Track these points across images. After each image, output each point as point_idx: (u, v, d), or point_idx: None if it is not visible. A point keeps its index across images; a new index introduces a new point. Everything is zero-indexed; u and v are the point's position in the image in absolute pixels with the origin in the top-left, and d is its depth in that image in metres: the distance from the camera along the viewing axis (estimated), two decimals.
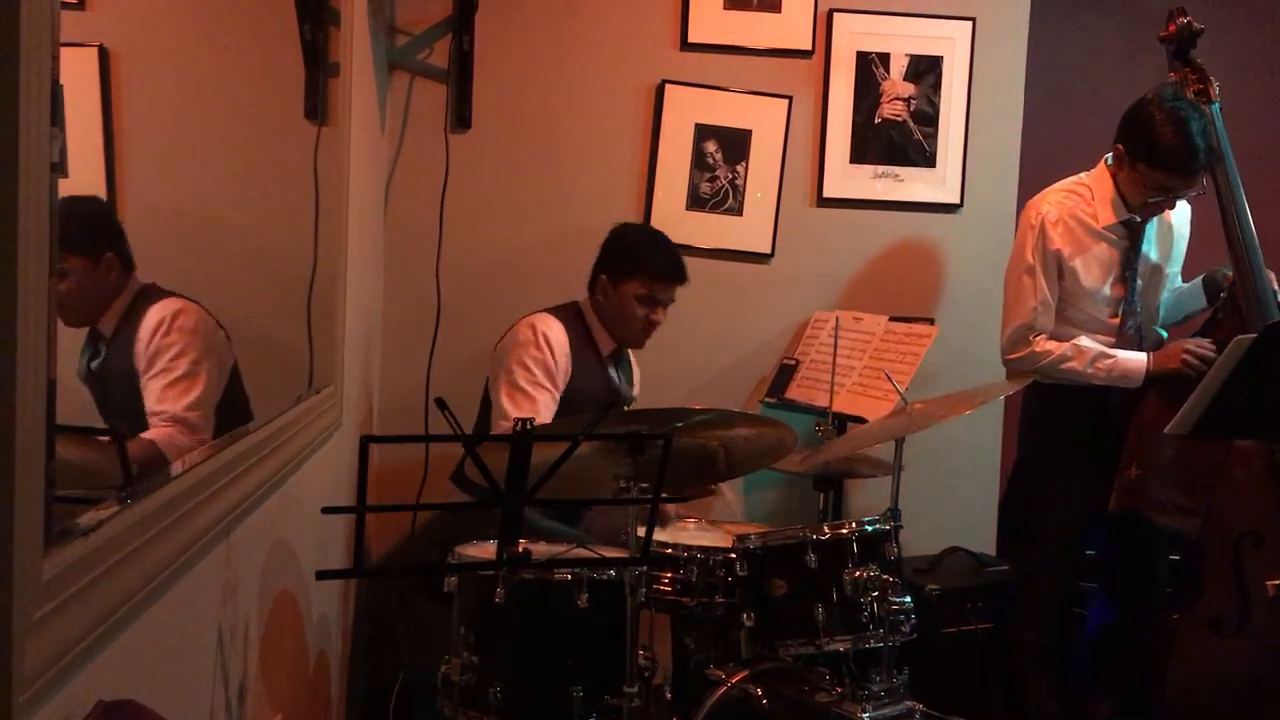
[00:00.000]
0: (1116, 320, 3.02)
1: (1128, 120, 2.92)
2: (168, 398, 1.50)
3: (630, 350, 3.14)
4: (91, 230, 1.29)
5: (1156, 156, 2.82)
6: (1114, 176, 2.97)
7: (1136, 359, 2.93)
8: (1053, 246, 2.95)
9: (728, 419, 2.33)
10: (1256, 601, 2.72)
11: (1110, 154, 3.00)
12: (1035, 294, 2.97)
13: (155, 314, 1.46)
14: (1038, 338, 2.99)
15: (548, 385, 2.82)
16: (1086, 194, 3.00)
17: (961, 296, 3.62)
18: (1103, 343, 2.97)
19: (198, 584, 1.44)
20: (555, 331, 2.90)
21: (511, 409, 2.77)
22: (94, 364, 1.32)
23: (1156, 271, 3.07)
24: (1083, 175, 3.05)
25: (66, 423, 1.00)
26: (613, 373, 3.00)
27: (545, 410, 2.79)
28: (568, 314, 2.98)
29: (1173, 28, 3.01)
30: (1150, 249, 3.04)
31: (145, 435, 1.42)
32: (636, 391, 3.15)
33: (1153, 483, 2.93)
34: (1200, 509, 2.84)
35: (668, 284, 2.95)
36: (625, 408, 2.98)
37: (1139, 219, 2.98)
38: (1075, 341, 2.96)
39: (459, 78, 3.35)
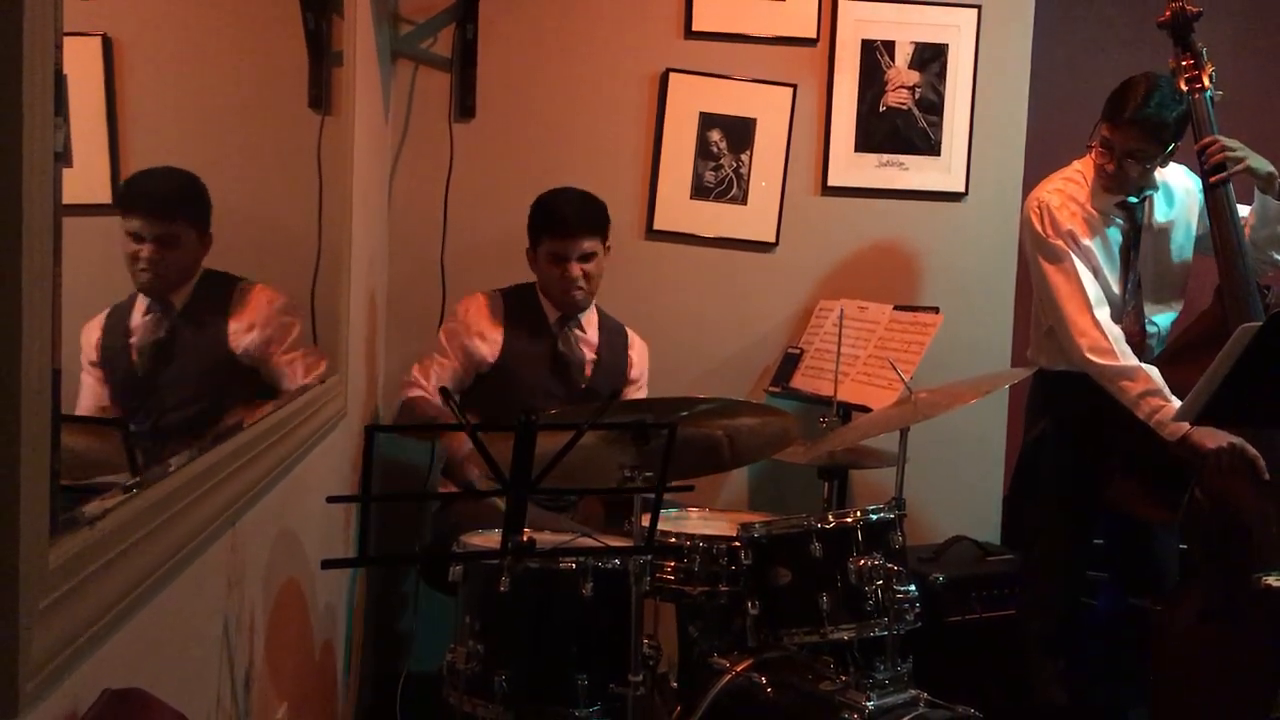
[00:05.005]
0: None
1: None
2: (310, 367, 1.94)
3: (633, 337, 3.17)
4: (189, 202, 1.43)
5: (1108, 111, 2.85)
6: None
7: (1178, 426, 2.72)
8: (1064, 227, 2.93)
9: (732, 408, 2.33)
10: (1244, 596, 2.70)
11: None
12: (1077, 272, 2.89)
13: (263, 297, 1.67)
14: (1112, 329, 2.86)
15: (450, 352, 3.03)
16: (1080, 179, 2.98)
17: (967, 285, 3.61)
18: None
19: (204, 573, 1.45)
20: (475, 305, 3.06)
21: (416, 372, 3.05)
22: (160, 334, 1.39)
23: (1163, 234, 3.01)
24: (1075, 163, 3.04)
25: None
26: (563, 335, 3.04)
27: (444, 372, 3.02)
28: (512, 290, 3.10)
29: (1168, 13, 2.97)
30: (1158, 213, 2.99)
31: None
32: (635, 374, 3.16)
33: (1130, 475, 2.92)
34: (1177, 501, 2.81)
35: (567, 239, 2.95)
36: (588, 383, 3.03)
37: (1134, 198, 2.95)
38: (1143, 366, 2.83)
39: (462, 66, 3.35)
